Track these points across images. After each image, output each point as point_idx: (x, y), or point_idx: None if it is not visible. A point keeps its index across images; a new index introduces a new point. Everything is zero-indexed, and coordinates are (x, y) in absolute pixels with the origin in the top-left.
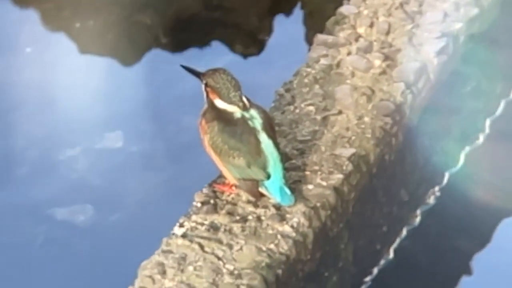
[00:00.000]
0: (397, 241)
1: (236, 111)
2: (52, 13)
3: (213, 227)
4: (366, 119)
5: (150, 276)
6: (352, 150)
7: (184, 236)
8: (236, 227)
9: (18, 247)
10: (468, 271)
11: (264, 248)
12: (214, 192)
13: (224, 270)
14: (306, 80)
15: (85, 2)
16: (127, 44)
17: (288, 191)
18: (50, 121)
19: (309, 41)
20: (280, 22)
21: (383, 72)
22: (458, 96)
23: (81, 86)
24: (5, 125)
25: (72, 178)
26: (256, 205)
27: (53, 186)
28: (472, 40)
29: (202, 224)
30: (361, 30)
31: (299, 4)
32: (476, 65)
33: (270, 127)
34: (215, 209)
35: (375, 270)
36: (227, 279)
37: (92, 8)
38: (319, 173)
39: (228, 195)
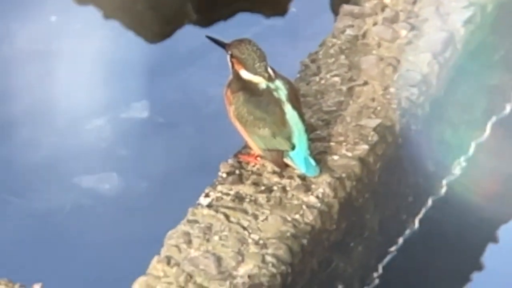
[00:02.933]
0: (423, 211)
1: (262, 82)
2: None
3: (239, 197)
4: (392, 89)
5: (176, 246)
6: (378, 121)
7: (209, 206)
8: (261, 198)
9: (46, 214)
10: (493, 241)
11: (289, 218)
12: (240, 162)
13: (250, 240)
14: (331, 51)
15: None
16: (153, 15)
17: (313, 162)
18: (77, 90)
19: (335, 11)
20: None
21: (409, 42)
22: (486, 66)
23: (107, 57)
24: (32, 94)
25: (99, 147)
26: (281, 176)
27: (80, 154)
28: (500, 8)
29: (228, 194)
30: (387, 0)
31: None
32: (505, 35)
33: (295, 98)
34: (240, 179)
35: (400, 240)
36: (253, 248)
37: None
38: (344, 143)
39: (253, 166)
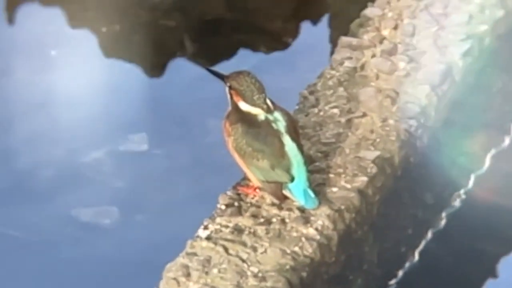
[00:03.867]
0: (422, 244)
1: (260, 114)
2: (78, 16)
3: (238, 230)
4: (391, 121)
5: (175, 279)
6: (377, 153)
7: (208, 238)
8: (260, 230)
9: (44, 248)
10: (493, 274)
11: (288, 251)
12: (238, 194)
13: (249, 273)
14: (330, 83)
15: (111, 4)
16: (152, 47)
17: (312, 194)
18: (75, 124)
19: (333, 43)
20: (304, 24)
21: (408, 75)
22: (484, 98)
23: (105, 89)
24: (30, 127)
25: (97, 180)
26: (280, 208)
27: (78, 188)
28: (498, 41)
29: (227, 227)
30: (385, 32)
31: (323, 6)
32: (502, 67)
33: (294, 130)
34: (239, 211)
35: (400, 273)
36: (252, 281)
37: (117, 10)
38: (343, 175)
39: (252, 198)
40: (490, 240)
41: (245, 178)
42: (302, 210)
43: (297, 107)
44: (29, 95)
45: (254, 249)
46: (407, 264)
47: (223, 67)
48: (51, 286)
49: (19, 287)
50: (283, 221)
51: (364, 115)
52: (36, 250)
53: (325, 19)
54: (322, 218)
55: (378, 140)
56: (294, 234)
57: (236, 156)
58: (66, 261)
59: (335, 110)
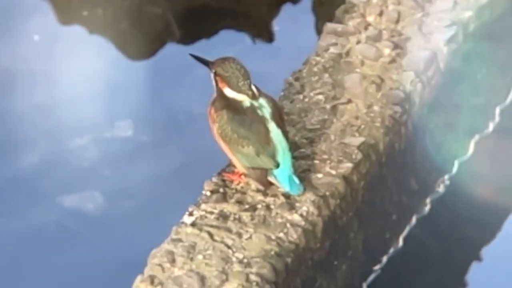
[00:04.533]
0: (407, 229)
1: (245, 100)
2: (62, 1)
3: (223, 216)
4: (376, 107)
5: (160, 265)
6: (362, 139)
7: (193, 224)
8: (245, 216)
9: (30, 235)
10: (477, 259)
11: (273, 237)
12: (224, 181)
13: (234, 259)
14: (315, 69)
15: None
16: (137, 34)
17: (297, 180)
18: (59, 110)
19: (319, 29)
20: (289, 10)
21: (393, 61)
22: (468, 84)
23: (90, 75)
24: (14, 114)
25: (82, 167)
26: (265, 194)
27: (63, 174)
28: (482, 28)
29: (212, 213)
30: (370, 18)
31: None
32: (486, 54)
33: (279, 116)
34: (224, 198)
35: (385, 259)
36: (237, 267)
37: None
38: (328, 162)
39: (237, 184)
40: (474, 226)
41: (230, 164)
42: (287, 196)
43: (282, 93)
44: (13, 81)
45: (239, 235)
46: (391, 250)
47: (209, 54)
48: (35, 272)
49: (3, 274)
50: (268, 207)
51: (349, 101)
52: (21, 236)
53: (310, 5)
54: (307, 204)
55: (363, 126)
56: (279, 220)
57: (221, 143)
58: (51, 247)
59: (320, 97)
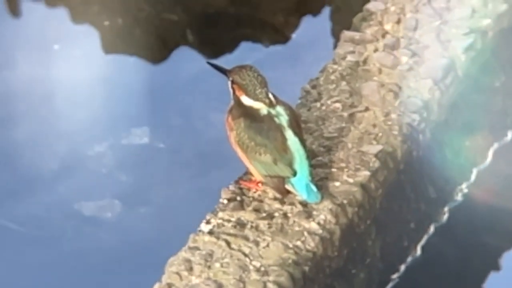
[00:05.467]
0: (425, 238)
1: (262, 108)
2: (80, 10)
3: (240, 224)
4: (393, 115)
5: (177, 273)
6: (379, 147)
7: (210, 232)
8: (263, 224)
9: (48, 241)
10: (496, 268)
11: (290, 245)
12: (241, 189)
13: (251, 267)
14: (332, 77)
15: None
16: (154, 41)
17: (314, 188)
18: (78, 117)
19: (336, 37)
20: (306, 18)
21: (410, 69)
22: (487, 92)
23: (108, 82)
24: (34, 121)
25: (100, 174)
26: (282, 202)
27: (81, 181)
28: (500, 35)
29: (229, 221)
30: (388, 26)
31: (326, 0)
32: (505, 61)
33: (296, 124)
34: (241, 206)
35: (403, 267)
36: (254, 275)
37: (119, 4)
38: (345, 170)
39: (255, 192)
40: (492, 234)
41: (248, 172)
42: (304, 204)
43: (299, 101)
44: (32, 89)
45: (257, 244)
46: (409, 258)
47: (226, 61)
48: (54, 280)
49: (22, 281)
50: (285, 215)
51: (367, 109)
52: (39, 244)
53: (327, 13)
54: (324, 212)
55: (380, 134)
56: (297, 228)
57: (238, 151)
58: (69, 254)
59: (338, 105)
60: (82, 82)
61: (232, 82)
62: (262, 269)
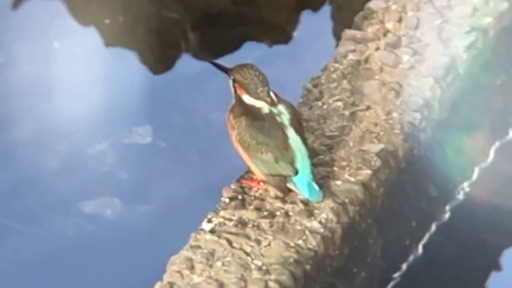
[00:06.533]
0: (426, 236)
1: (264, 107)
2: (81, 8)
3: (241, 223)
4: (395, 114)
5: (179, 271)
6: (381, 146)
7: (212, 231)
8: (264, 223)
9: (49, 239)
10: (497, 267)
11: (292, 244)
12: (242, 187)
13: (252, 266)
14: (334, 76)
15: None
16: (155, 39)
17: (316, 187)
18: (79, 116)
19: (337, 36)
20: (308, 17)
21: (412, 67)
22: (488, 90)
23: (109, 81)
24: (34, 119)
25: (101, 172)
26: (284, 201)
27: (83, 179)
28: (502, 34)
29: (230, 220)
30: (389, 25)
31: None
32: (506, 59)
33: (298, 123)
34: (243, 204)
35: (404, 266)
36: (255, 274)
37: (120, 2)
38: (347, 168)
39: (256, 191)
40: (494, 233)
41: (249, 171)
42: (305, 203)
43: (300, 100)
44: (33, 87)
45: (258, 242)
46: (411, 257)
47: (227, 60)
48: (55, 277)
49: (23, 279)
50: (287, 214)
51: (368, 108)
52: (40, 242)
53: (329, 12)
54: (326, 211)
55: (382, 133)
56: (298, 227)
57: (240, 149)
58: (70, 252)
59: (339, 103)
60: (83, 80)
61: (234, 81)
62: (264, 267)
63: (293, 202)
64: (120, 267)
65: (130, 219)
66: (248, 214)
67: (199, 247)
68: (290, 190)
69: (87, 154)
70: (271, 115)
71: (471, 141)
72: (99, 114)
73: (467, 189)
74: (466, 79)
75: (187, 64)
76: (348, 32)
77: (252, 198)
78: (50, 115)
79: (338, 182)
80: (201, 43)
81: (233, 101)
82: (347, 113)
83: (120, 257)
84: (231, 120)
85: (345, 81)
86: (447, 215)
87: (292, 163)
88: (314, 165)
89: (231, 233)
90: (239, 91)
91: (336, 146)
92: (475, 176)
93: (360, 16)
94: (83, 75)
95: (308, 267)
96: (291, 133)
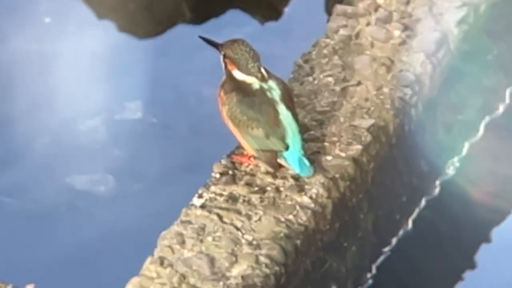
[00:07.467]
0: (416, 211)
1: (255, 82)
2: None
3: (232, 198)
4: (385, 89)
5: (169, 246)
6: (371, 121)
7: (203, 206)
8: (255, 198)
9: (41, 216)
10: (486, 241)
11: (282, 219)
12: (233, 163)
13: (243, 241)
14: (325, 51)
15: None
16: (146, 15)
17: (307, 162)
18: (70, 91)
19: (329, 11)
20: None
21: (403, 43)
22: (479, 66)
23: (101, 57)
24: (25, 95)
25: (92, 148)
26: (274, 176)
27: (73, 155)
28: (493, 9)
29: (221, 195)
30: (380, 0)
31: None
32: (498, 35)
33: (289, 98)
34: (233, 180)
35: (394, 240)
36: (246, 249)
37: None
38: (338, 144)
39: (247, 166)
40: (483, 208)
41: (240, 146)
42: (296, 178)
43: (291, 75)
44: (24, 63)
45: (249, 217)
46: (401, 232)
47: (218, 36)
48: (47, 254)
49: (15, 254)
50: (277, 189)
51: (359, 83)
52: (32, 217)
53: None
54: (316, 186)
55: (372, 108)
56: (289, 202)
57: (230, 125)
58: (62, 228)
59: (330, 79)
60: (74, 56)
61: (224, 56)
62: (254, 242)
63: (284, 178)
64: (111, 242)
65: (121, 195)
66: (239, 189)
67: (189, 222)
68: (281, 166)
69: (79, 130)
70: (262, 90)
71: (462, 117)
72: (90, 90)
73: (457, 164)
74: (457, 54)
75: (177, 39)
76: (339, 8)
77: (243, 173)
78: (40, 91)
79: (329, 158)
80: (192, 18)
81: (224, 77)
82: (338, 88)
83: (111, 232)
84: (222, 96)
85: (336, 57)
86: (437, 190)
87: (283, 138)
88: (305, 140)
89: (221, 208)
90: (229, 67)
91: (327, 121)
92: (465, 151)
93: None
94: (74, 51)
95: (298, 242)
96: (282, 108)
